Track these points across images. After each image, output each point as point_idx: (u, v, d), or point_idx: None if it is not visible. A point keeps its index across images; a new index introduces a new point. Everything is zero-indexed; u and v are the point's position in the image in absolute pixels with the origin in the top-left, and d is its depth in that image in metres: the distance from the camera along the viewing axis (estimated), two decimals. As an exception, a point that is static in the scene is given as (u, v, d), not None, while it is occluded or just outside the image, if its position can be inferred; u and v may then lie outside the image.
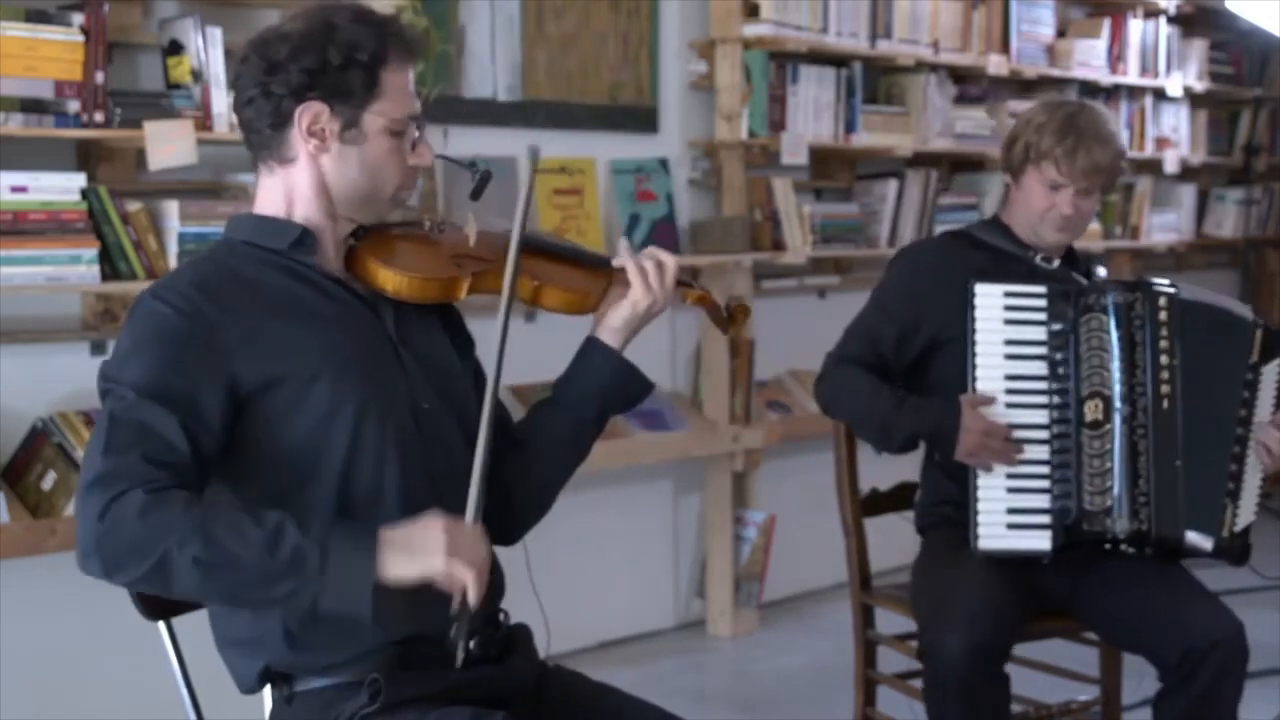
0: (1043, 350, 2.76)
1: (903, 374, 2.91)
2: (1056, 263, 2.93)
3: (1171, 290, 2.78)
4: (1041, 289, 2.78)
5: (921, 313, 2.87)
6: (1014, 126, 2.94)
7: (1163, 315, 2.76)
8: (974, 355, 2.76)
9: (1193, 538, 2.76)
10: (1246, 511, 2.79)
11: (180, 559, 1.65)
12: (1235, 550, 2.78)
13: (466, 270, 1.93)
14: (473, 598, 1.72)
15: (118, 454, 1.69)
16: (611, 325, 2.02)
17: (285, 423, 1.80)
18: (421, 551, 1.71)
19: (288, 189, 1.90)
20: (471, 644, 1.78)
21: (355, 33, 1.85)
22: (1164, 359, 2.75)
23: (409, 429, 1.88)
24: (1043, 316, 2.76)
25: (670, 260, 2.01)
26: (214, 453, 1.77)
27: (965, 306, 2.76)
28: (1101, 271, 3.02)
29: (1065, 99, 3.01)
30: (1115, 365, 2.75)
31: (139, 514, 1.65)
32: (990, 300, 2.76)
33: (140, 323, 1.80)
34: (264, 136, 1.88)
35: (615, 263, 2.03)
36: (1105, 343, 2.76)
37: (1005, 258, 2.92)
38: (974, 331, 2.76)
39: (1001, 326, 2.76)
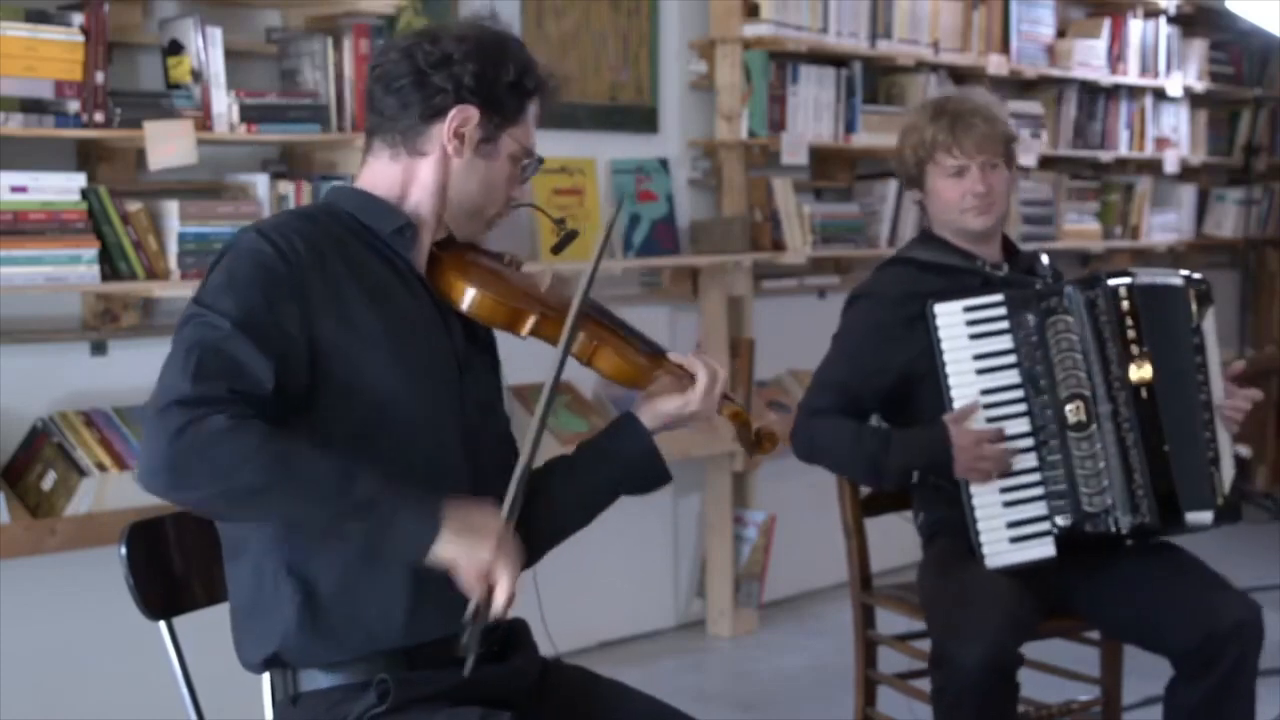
0: (1012, 359, 2.75)
1: (880, 414, 2.88)
2: (1005, 268, 2.92)
3: (1128, 279, 2.78)
4: (999, 298, 2.76)
5: (889, 355, 2.83)
6: (897, 145, 2.95)
7: (1124, 305, 2.76)
8: (946, 377, 2.75)
9: (1192, 517, 2.77)
10: (1227, 470, 2.81)
11: (253, 486, 1.65)
12: (1229, 511, 2.81)
13: (535, 309, 1.95)
14: (500, 604, 1.72)
15: (206, 381, 1.68)
16: (656, 410, 2.02)
17: (341, 408, 1.80)
18: (478, 533, 1.72)
19: (407, 178, 1.93)
20: (472, 657, 1.75)
21: (525, 58, 1.95)
22: (1134, 349, 2.75)
23: (453, 446, 1.89)
24: (1006, 325, 2.75)
25: (724, 374, 2.04)
26: (293, 401, 1.76)
27: (928, 331, 2.75)
28: (1045, 260, 2.98)
29: (932, 99, 3.01)
30: (1088, 364, 2.75)
31: (221, 436, 1.65)
32: (951, 319, 2.75)
33: (241, 257, 1.79)
34: (404, 124, 1.91)
35: (686, 364, 2.02)
36: (1074, 344, 2.75)
37: (955, 273, 2.89)
38: (942, 353, 2.75)
39: (968, 342, 2.75)
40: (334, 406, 1.80)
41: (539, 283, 2.05)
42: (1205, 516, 2.78)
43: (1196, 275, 2.87)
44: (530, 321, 1.94)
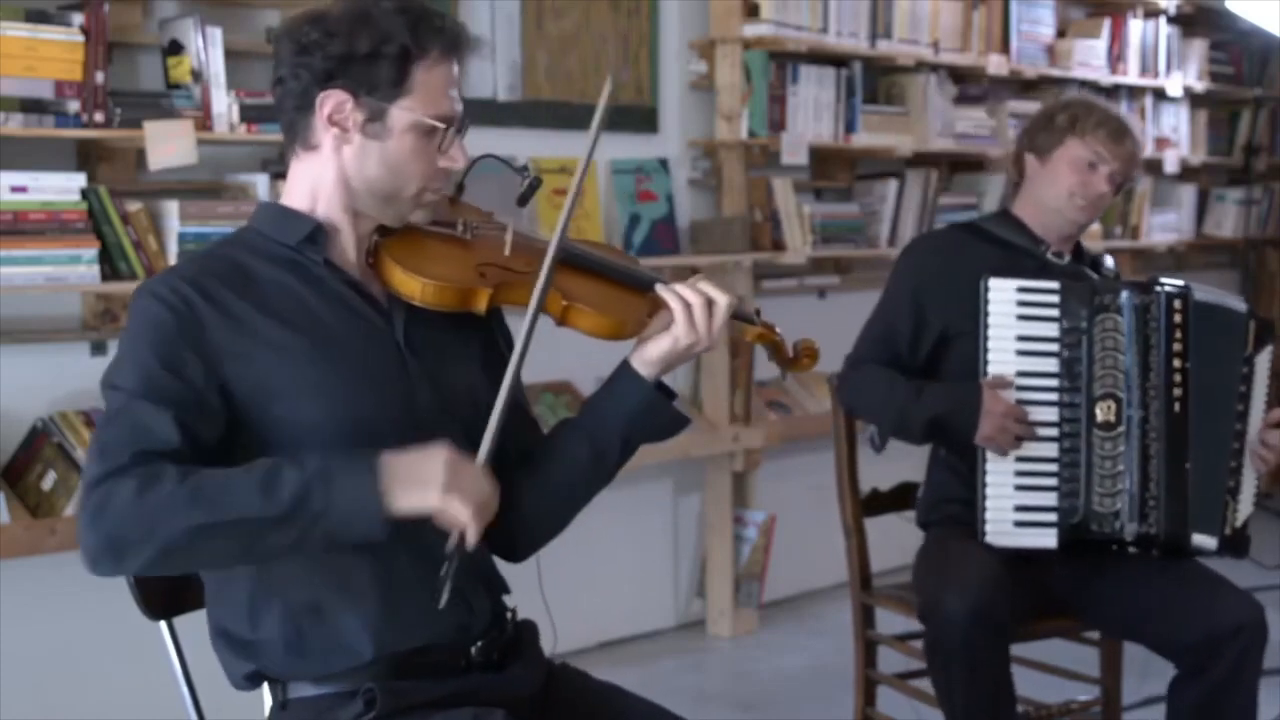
0: (1055, 347, 2.77)
1: (918, 371, 2.91)
2: (1067, 258, 2.93)
3: (1185, 291, 2.78)
4: (1055, 285, 2.78)
5: (930, 307, 2.89)
6: (1049, 107, 2.97)
7: (1177, 318, 2.76)
8: (986, 350, 2.77)
9: (1197, 539, 2.77)
10: (1245, 506, 2.81)
11: (182, 531, 1.62)
12: (1236, 544, 2.81)
13: (490, 281, 1.83)
14: (471, 538, 1.69)
15: (110, 456, 1.66)
16: (647, 355, 1.90)
17: (276, 437, 1.76)
18: (419, 483, 1.67)
19: (313, 179, 1.85)
20: (446, 591, 1.72)
21: (390, 23, 1.78)
22: (1177, 362, 2.76)
23: (404, 445, 1.79)
24: (1056, 313, 2.77)
25: (723, 299, 1.90)
26: (215, 443, 1.73)
27: (977, 301, 2.77)
28: (1109, 262, 3.02)
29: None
30: (1129, 367, 2.75)
31: (133, 498, 1.62)
32: (1004, 295, 2.77)
33: (133, 321, 1.77)
34: (291, 120, 1.84)
35: (658, 290, 1.91)
36: (1119, 344, 2.76)
37: (1016, 251, 2.92)
38: (987, 326, 2.77)
39: (1014, 322, 2.77)
40: (260, 442, 1.75)
41: (501, 243, 1.90)
42: (1210, 541, 2.78)
43: (1263, 315, 2.88)
44: (485, 297, 1.83)
